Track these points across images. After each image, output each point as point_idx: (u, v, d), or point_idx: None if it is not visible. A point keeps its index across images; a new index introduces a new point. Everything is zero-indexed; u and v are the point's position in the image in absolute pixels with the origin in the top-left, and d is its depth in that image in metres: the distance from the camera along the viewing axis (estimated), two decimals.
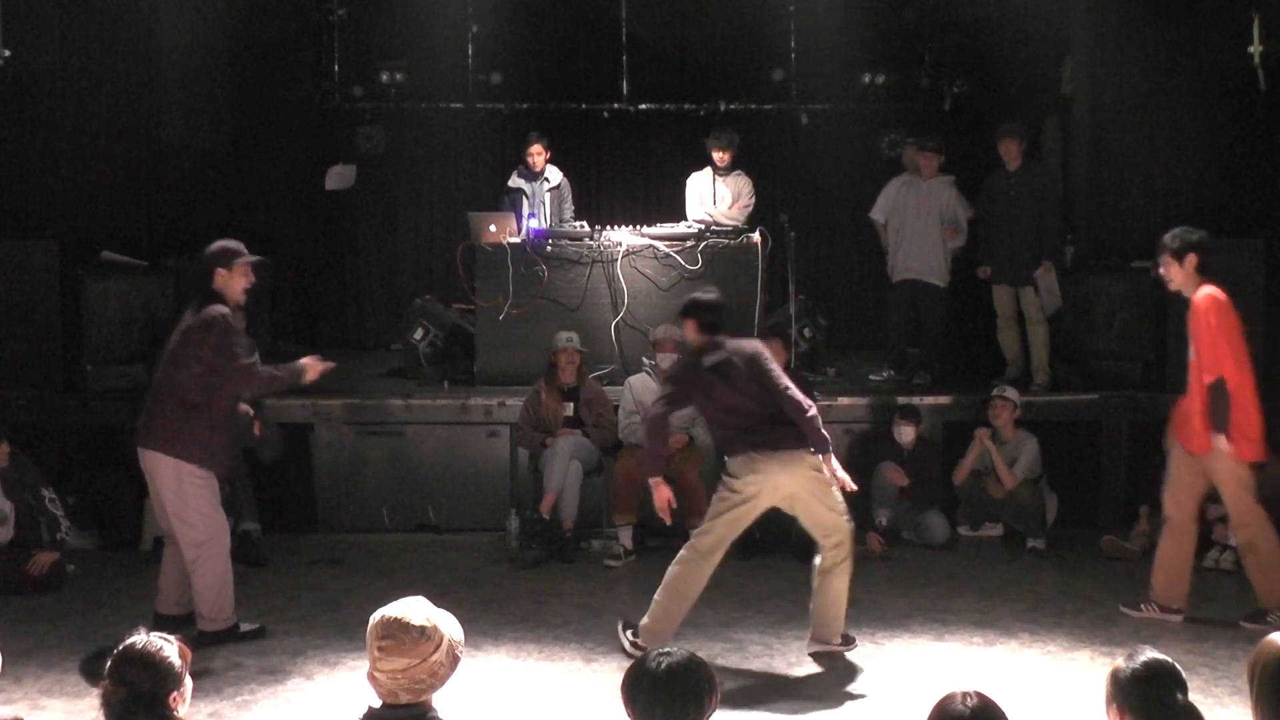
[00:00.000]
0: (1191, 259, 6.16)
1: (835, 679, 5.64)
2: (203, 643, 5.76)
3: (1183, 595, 6.34)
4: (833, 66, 11.48)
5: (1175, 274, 6.21)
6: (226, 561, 6.08)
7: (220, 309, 5.98)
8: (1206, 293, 6.14)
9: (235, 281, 6.08)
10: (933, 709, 2.78)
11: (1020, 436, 8.10)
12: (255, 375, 6.08)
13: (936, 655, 5.94)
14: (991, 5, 10.52)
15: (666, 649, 2.92)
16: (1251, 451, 6.15)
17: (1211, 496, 7.54)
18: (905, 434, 8.09)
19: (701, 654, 2.96)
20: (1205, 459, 6.19)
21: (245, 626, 6.10)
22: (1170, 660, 3.00)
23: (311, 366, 6.31)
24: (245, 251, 6.14)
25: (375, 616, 2.97)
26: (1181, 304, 8.60)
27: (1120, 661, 2.99)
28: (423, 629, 2.93)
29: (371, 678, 2.95)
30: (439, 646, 2.94)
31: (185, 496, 5.95)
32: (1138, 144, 9.40)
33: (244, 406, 6.53)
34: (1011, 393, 8.21)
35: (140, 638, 3.06)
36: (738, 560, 7.55)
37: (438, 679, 2.95)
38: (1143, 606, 6.37)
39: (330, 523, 8.31)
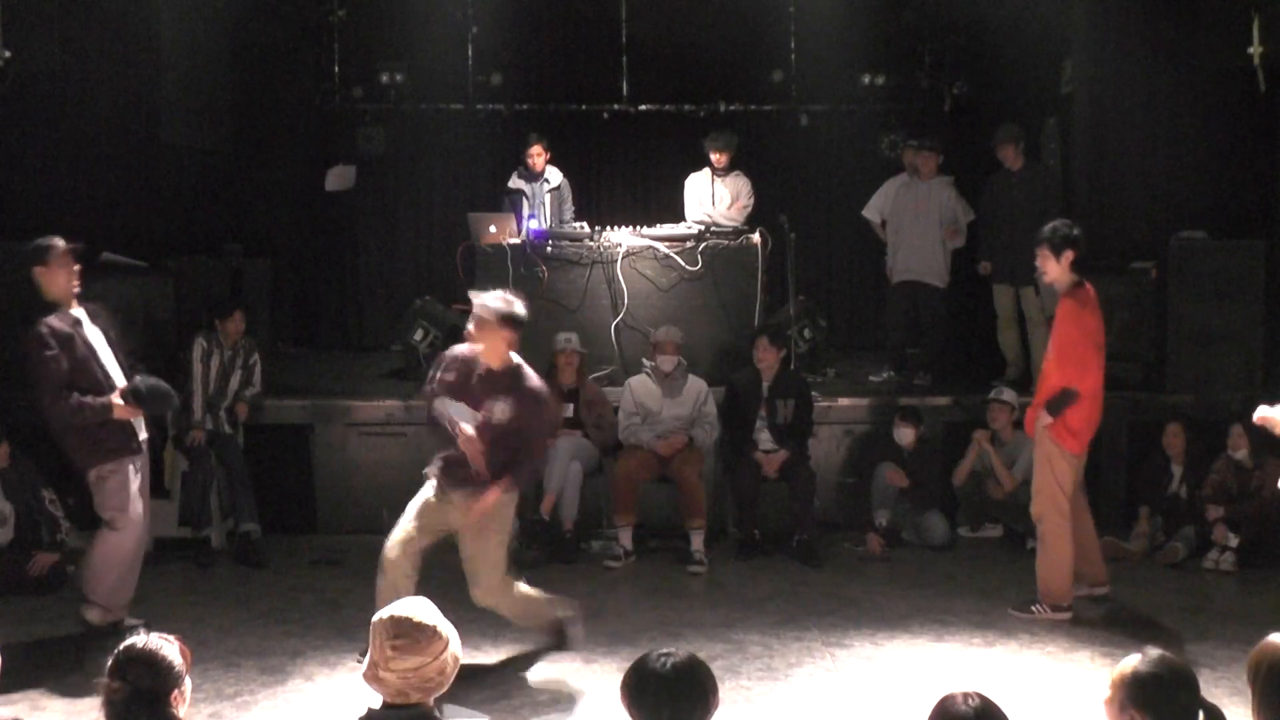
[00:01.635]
0: (1069, 255, 6.28)
1: (835, 680, 5.64)
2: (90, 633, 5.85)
3: (1102, 574, 6.62)
4: (832, 67, 11.48)
5: (1052, 268, 6.35)
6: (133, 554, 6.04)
7: (39, 328, 5.76)
8: (1073, 297, 6.30)
9: (57, 277, 5.81)
10: (933, 709, 2.77)
11: (1020, 438, 8.09)
12: (56, 409, 5.78)
13: (936, 656, 5.94)
14: (991, 6, 10.52)
15: (666, 649, 2.91)
16: (1073, 443, 6.35)
17: (1211, 497, 7.58)
18: (905, 436, 8.09)
19: (701, 654, 2.96)
20: (1036, 440, 6.42)
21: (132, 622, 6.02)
22: (1180, 660, 2.99)
23: (119, 406, 5.90)
24: (56, 244, 5.84)
25: (383, 616, 2.98)
26: (1182, 305, 8.68)
27: (1136, 663, 2.95)
28: (435, 628, 2.96)
29: (376, 678, 2.95)
30: (447, 645, 2.98)
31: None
32: (1137, 145, 9.40)
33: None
34: (1009, 395, 8.21)
35: (141, 637, 3.07)
36: (738, 561, 7.58)
37: (445, 678, 2.98)
38: (1033, 609, 6.47)
39: (330, 523, 8.31)
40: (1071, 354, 6.27)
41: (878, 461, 8.11)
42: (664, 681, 2.80)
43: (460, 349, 5.77)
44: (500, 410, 5.58)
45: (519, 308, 5.60)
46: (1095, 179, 9.51)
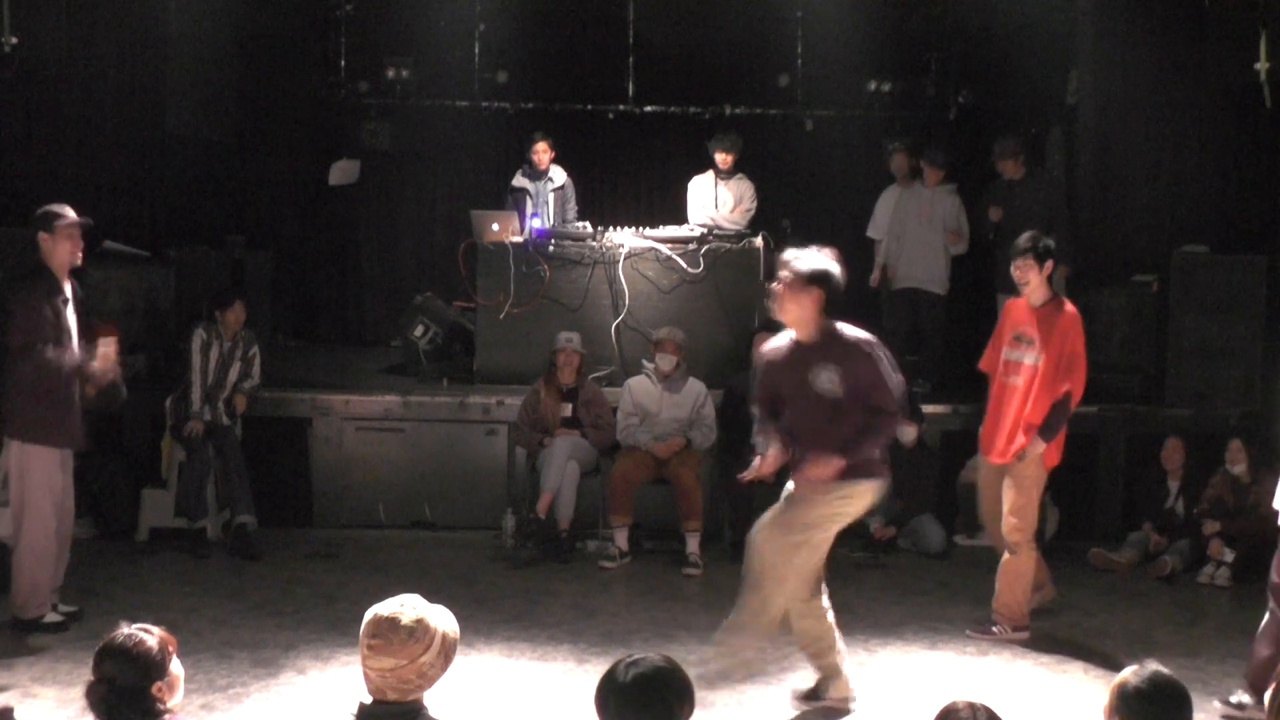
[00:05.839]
0: (1049, 266, 6.13)
1: None
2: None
3: (1045, 578, 6.45)
4: (838, 73, 11.49)
5: (1034, 279, 6.13)
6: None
7: (13, 291, 5.94)
8: (1068, 308, 6.18)
9: (59, 246, 5.99)
10: (936, 717, 2.76)
11: None
12: (19, 362, 5.92)
13: (929, 664, 5.94)
14: (998, 15, 10.53)
15: (639, 655, 2.83)
16: (1056, 457, 6.17)
17: (1208, 512, 7.57)
18: (907, 434, 8.04)
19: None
20: (1019, 465, 6.12)
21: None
22: (1176, 677, 2.99)
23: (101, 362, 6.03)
24: (67, 214, 6.03)
25: (369, 614, 2.95)
26: (1183, 319, 8.68)
27: (1129, 674, 2.97)
28: (411, 630, 2.88)
29: (364, 674, 2.94)
30: (429, 648, 2.90)
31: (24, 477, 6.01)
32: (1142, 158, 9.41)
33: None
34: None
35: (121, 631, 3.07)
36: (733, 564, 7.56)
37: (426, 680, 2.91)
38: (994, 630, 6.29)
39: (326, 517, 8.30)
40: (1079, 365, 6.08)
41: None
42: (623, 692, 2.73)
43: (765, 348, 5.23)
44: (827, 381, 4.95)
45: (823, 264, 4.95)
46: (1099, 191, 9.52)
